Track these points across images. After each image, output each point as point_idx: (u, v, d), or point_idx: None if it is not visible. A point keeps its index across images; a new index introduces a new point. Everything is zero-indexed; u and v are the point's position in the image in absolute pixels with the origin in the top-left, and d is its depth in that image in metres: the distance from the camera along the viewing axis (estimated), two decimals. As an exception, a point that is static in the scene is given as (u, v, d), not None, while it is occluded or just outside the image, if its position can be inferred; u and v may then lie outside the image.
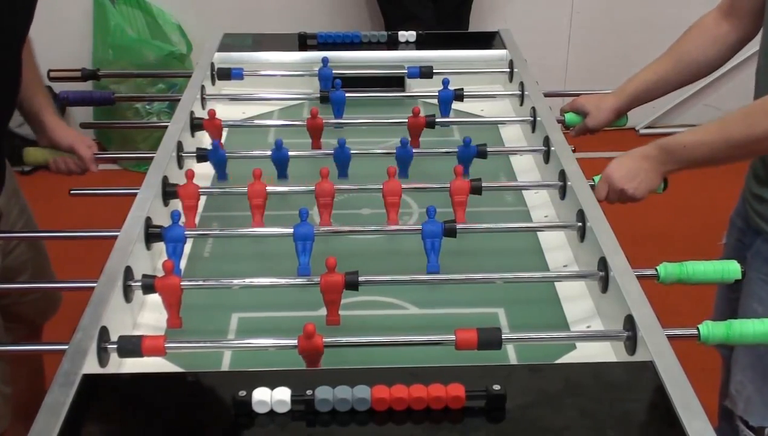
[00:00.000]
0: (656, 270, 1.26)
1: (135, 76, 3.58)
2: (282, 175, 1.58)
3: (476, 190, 1.47)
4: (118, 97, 2.03)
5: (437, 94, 1.83)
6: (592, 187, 1.50)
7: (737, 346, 1.46)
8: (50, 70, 2.00)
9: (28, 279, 1.71)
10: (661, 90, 1.74)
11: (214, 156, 1.60)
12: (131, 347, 1.10)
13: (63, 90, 1.99)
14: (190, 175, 1.44)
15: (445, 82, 1.83)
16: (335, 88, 1.80)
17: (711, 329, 1.14)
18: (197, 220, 1.52)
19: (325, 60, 1.96)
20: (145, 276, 1.22)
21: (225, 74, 1.99)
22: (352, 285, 1.20)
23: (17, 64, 1.50)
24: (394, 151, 1.59)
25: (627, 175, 1.48)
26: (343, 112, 1.80)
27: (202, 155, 1.60)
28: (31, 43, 1.63)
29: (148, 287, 1.21)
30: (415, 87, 2.04)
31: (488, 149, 1.65)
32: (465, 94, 1.87)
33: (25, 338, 1.79)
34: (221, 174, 1.60)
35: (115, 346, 1.11)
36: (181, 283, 1.20)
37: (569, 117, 1.83)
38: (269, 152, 1.59)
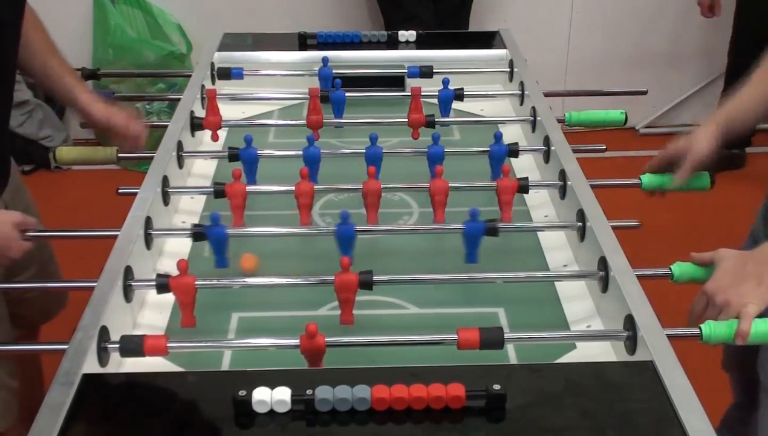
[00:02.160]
0: (670, 269, 1.26)
1: (135, 76, 3.58)
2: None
3: (523, 188, 1.48)
4: (118, 97, 2.03)
5: (437, 94, 1.83)
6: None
7: None
8: None
9: (33, 275, 1.70)
10: (753, 119, 1.54)
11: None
12: (133, 346, 1.10)
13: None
14: (237, 174, 1.43)
15: (445, 82, 1.83)
16: (335, 88, 1.80)
17: (713, 328, 1.14)
18: (197, 221, 1.52)
19: (325, 60, 1.96)
20: (159, 275, 1.22)
21: (225, 74, 1.99)
22: (366, 284, 1.20)
23: (12, 56, 1.51)
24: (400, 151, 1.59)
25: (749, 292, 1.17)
26: (343, 112, 1.80)
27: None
28: (47, 31, 1.66)
29: (163, 287, 1.21)
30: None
31: (485, 149, 1.65)
32: (465, 94, 1.87)
33: (23, 338, 1.79)
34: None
35: (116, 345, 1.11)
36: (196, 282, 1.20)
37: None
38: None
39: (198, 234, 1.34)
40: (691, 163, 1.48)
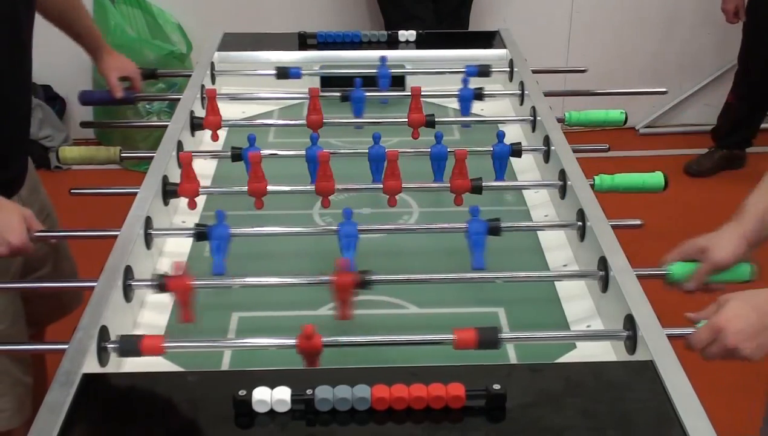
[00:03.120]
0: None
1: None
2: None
3: (476, 189, 1.47)
4: (137, 98, 2.04)
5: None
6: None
7: None
8: None
9: (47, 273, 1.69)
10: None
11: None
12: (130, 346, 1.10)
13: (85, 90, 2.03)
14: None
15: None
16: (356, 87, 1.81)
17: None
18: (197, 220, 1.52)
19: (383, 59, 1.98)
20: (157, 276, 1.21)
21: (283, 73, 1.98)
22: (364, 285, 1.20)
23: (29, 51, 1.57)
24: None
25: (746, 331, 1.13)
26: (363, 111, 1.81)
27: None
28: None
29: (161, 287, 1.21)
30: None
31: (488, 149, 1.65)
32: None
33: (33, 337, 1.79)
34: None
35: (116, 345, 1.11)
36: (192, 283, 1.20)
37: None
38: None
39: (200, 234, 1.33)
40: (708, 271, 1.29)
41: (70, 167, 3.52)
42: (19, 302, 1.59)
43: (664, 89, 2.19)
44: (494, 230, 1.35)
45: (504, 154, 1.58)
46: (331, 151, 1.57)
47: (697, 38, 3.99)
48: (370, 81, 2.01)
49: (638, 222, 1.47)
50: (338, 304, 1.22)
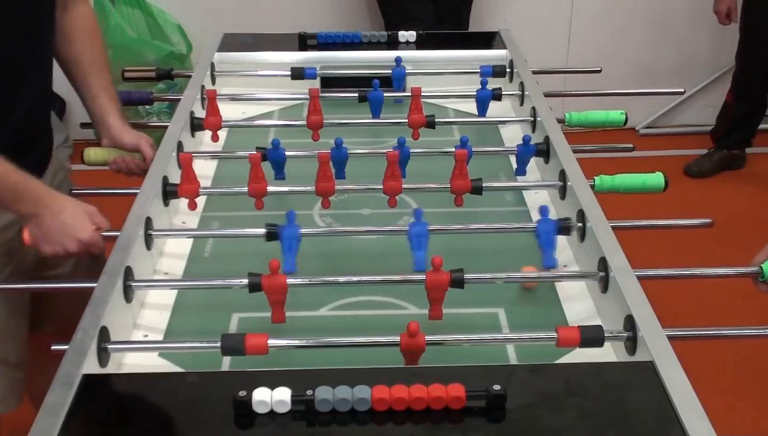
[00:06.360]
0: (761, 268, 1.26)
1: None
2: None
3: (476, 190, 1.47)
4: (155, 98, 2.03)
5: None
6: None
7: None
8: (124, 70, 2.05)
9: (67, 273, 1.65)
10: None
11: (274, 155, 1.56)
12: (234, 344, 1.10)
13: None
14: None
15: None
16: (374, 88, 1.80)
17: None
18: (197, 221, 1.52)
19: (398, 59, 1.98)
20: (251, 274, 1.21)
21: (299, 74, 1.98)
22: (459, 283, 1.20)
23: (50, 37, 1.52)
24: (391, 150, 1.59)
25: None
26: (381, 112, 1.81)
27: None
28: (104, 46, 1.66)
29: (255, 286, 1.20)
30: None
31: (488, 149, 1.65)
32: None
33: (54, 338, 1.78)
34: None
35: (116, 346, 1.10)
36: (288, 281, 1.20)
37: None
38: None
39: (271, 234, 1.33)
40: None
41: (70, 167, 3.53)
42: (20, 300, 1.58)
43: (681, 89, 2.19)
44: (565, 229, 1.36)
45: (527, 157, 1.62)
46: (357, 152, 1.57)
47: (696, 38, 3.99)
48: (370, 81, 2.02)
49: (708, 221, 1.48)
50: (430, 303, 1.22)
